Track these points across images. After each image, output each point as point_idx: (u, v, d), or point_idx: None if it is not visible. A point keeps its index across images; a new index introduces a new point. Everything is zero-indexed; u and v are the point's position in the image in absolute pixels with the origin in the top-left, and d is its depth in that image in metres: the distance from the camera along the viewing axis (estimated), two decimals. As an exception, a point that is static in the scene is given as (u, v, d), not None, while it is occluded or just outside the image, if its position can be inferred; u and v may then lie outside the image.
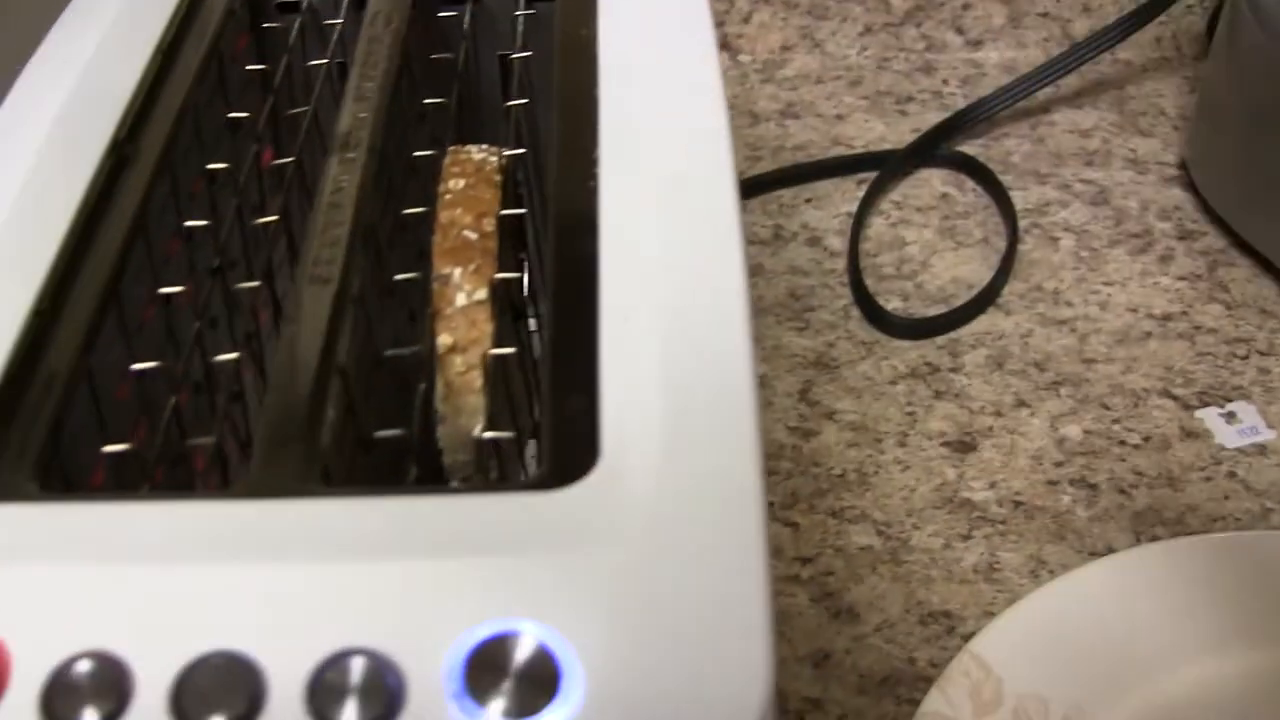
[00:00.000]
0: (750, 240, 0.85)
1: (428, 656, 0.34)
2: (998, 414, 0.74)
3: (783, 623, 0.65)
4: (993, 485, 0.70)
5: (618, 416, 0.39)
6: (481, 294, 0.49)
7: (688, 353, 0.40)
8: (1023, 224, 0.83)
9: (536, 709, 0.33)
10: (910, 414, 0.74)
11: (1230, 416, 0.73)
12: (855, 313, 0.79)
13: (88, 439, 0.42)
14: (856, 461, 0.72)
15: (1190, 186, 0.86)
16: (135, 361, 0.44)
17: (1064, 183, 0.87)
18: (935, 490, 0.70)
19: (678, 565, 0.36)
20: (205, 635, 0.34)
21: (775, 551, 0.68)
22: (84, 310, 0.43)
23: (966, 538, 0.68)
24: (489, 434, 0.44)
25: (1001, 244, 0.82)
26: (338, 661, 0.34)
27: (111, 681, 0.34)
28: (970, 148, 0.89)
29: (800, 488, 0.71)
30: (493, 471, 0.47)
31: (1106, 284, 0.80)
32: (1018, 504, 0.69)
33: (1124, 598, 0.63)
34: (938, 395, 0.75)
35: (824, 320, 0.79)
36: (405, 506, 0.37)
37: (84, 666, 0.34)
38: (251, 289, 0.47)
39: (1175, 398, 0.74)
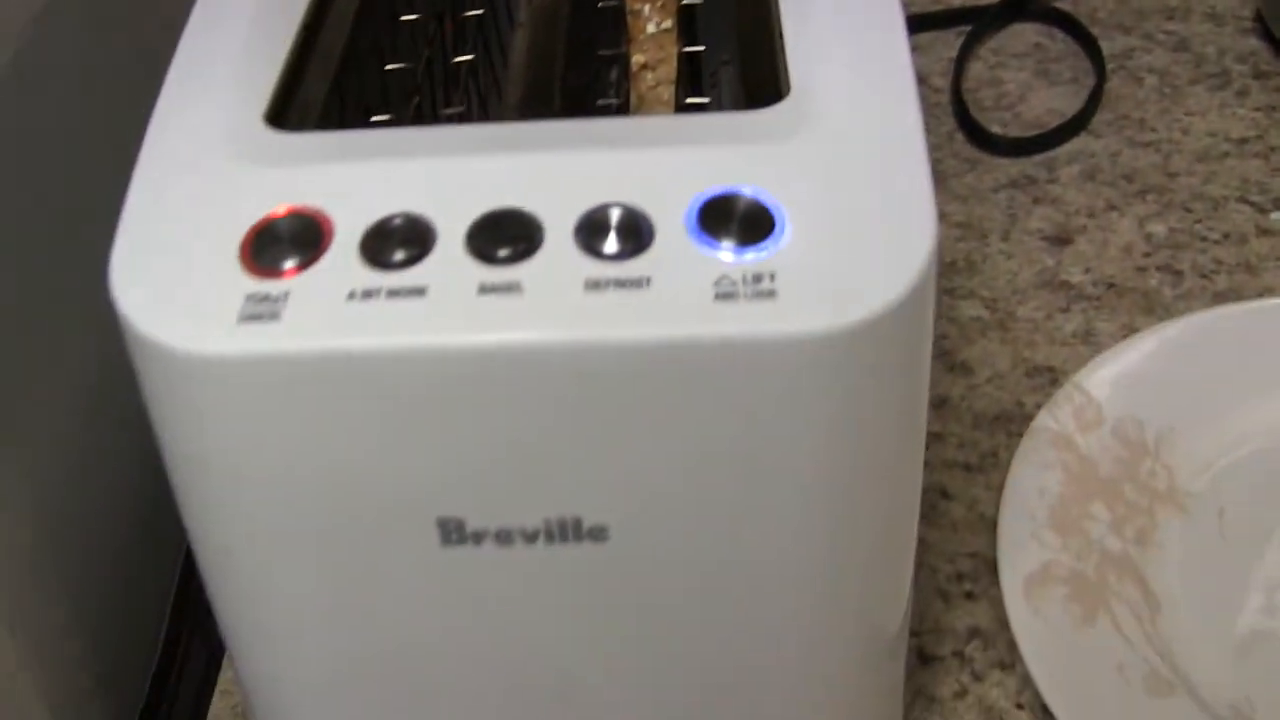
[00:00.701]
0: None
1: (671, 208, 0.43)
2: (1090, 215, 0.82)
3: (905, 375, 0.73)
4: (1087, 270, 0.79)
5: (800, 63, 0.48)
6: (668, 24, 0.58)
7: (854, 22, 0.49)
8: (1110, 67, 0.92)
9: (756, 241, 0.42)
10: (1011, 215, 0.82)
11: (1302, 219, 0.81)
12: (959, 136, 0.88)
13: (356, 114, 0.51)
14: (964, 252, 0.80)
15: (1266, 36, 0.94)
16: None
17: (1146, 33, 0.95)
18: (1036, 274, 0.79)
19: (863, 157, 0.44)
20: (493, 196, 0.43)
21: (895, 321, 0.76)
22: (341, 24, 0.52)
23: (1065, 311, 0.77)
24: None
25: (1091, 83, 0.90)
26: (600, 210, 0.43)
27: (418, 233, 0.43)
28: (1060, 3, 0.97)
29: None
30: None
31: (1187, 114, 0.89)
32: (1110, 285, 0.78)
33: (1215, 341, 0.71)
34: (1036, 201, 0.83)
35: (932, 142, 0.87)
36: (640, 122, 0.46)
37: (395, 222, 0.43)
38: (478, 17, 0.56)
39: (1251, 203, 0.82)
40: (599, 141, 0.45)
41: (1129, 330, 0.75)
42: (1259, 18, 0.95)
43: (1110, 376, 0.69)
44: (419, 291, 0.41)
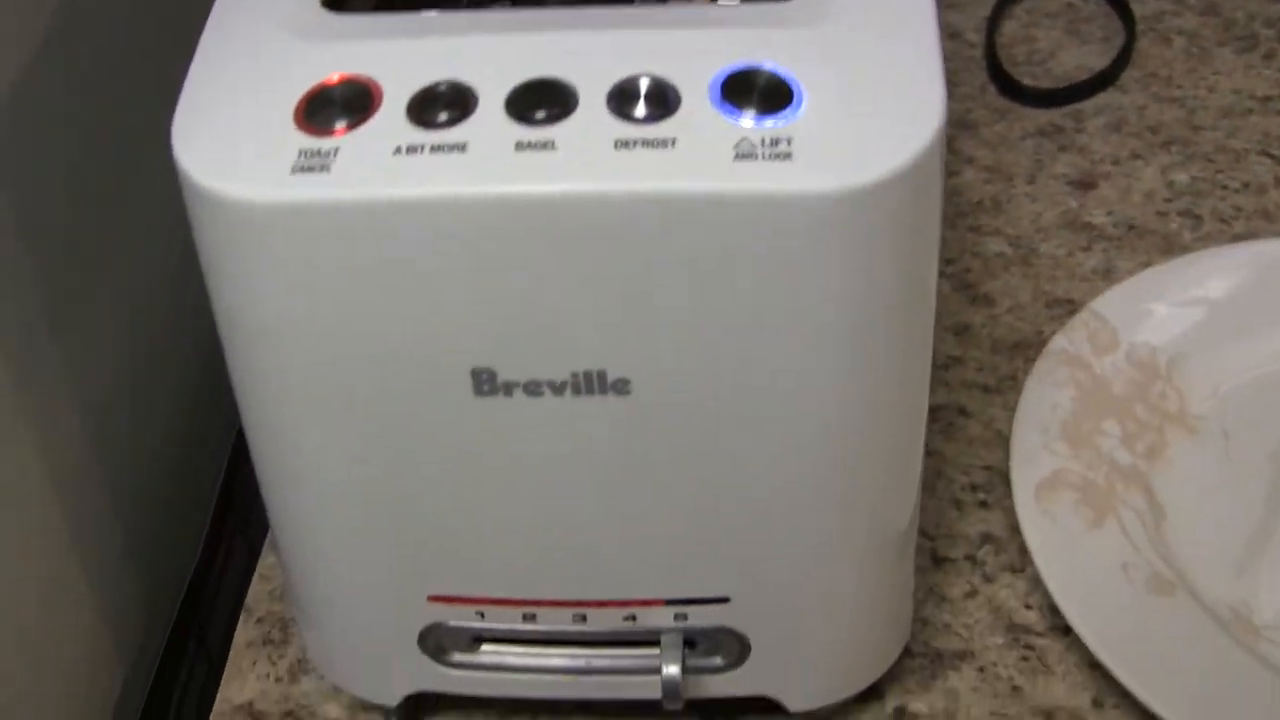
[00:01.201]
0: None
1: (696, 79, 0.46)
2: (1115, 163, 0.85)
3: (928, 304, 0.76)
4: (1110, 213, 0.81)
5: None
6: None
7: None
8: (1139, 28, 0.94)
9: (775, 110, 0.45)
10: (1038, 160, 0.85)
11: (1321, 173, 0.84)
12: (991, 88, 0.90)
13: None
14: (991, 194, 0.83)
15: (1292, 2, 0.96)
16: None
17: (1177, -3, 0.97)
18: (1059, 215, 0.81)
19: (877, 41, 0.47)
20: (533, 67, 0.46)
21: (921, 255, 0.79)
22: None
23: (1086, 249, 0.79)
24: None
25: (1120, 42, 0.93)
26: (630, 80, 0.46)
27: (461, 97, 0.46)
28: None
29: (944, 211, 0.82)
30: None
31: (1214, 73, 0.91)
32: (1131, 227, 0.80)
33: (1228, 276, 0.73)
34: (1062, 149, 0.86)
35: (963, 93, 0.90)
36: (674, 9, 0.49)
37: (440, 88, 0.46)
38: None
39: (1273, 156, 0.85)
40: (633, 22, 0.48)
41: (1148, 268, 0.77)
42: (1288, -16, 0.97)
43: (1126, 304, 0.72)
44: (460, 147, 0.44)
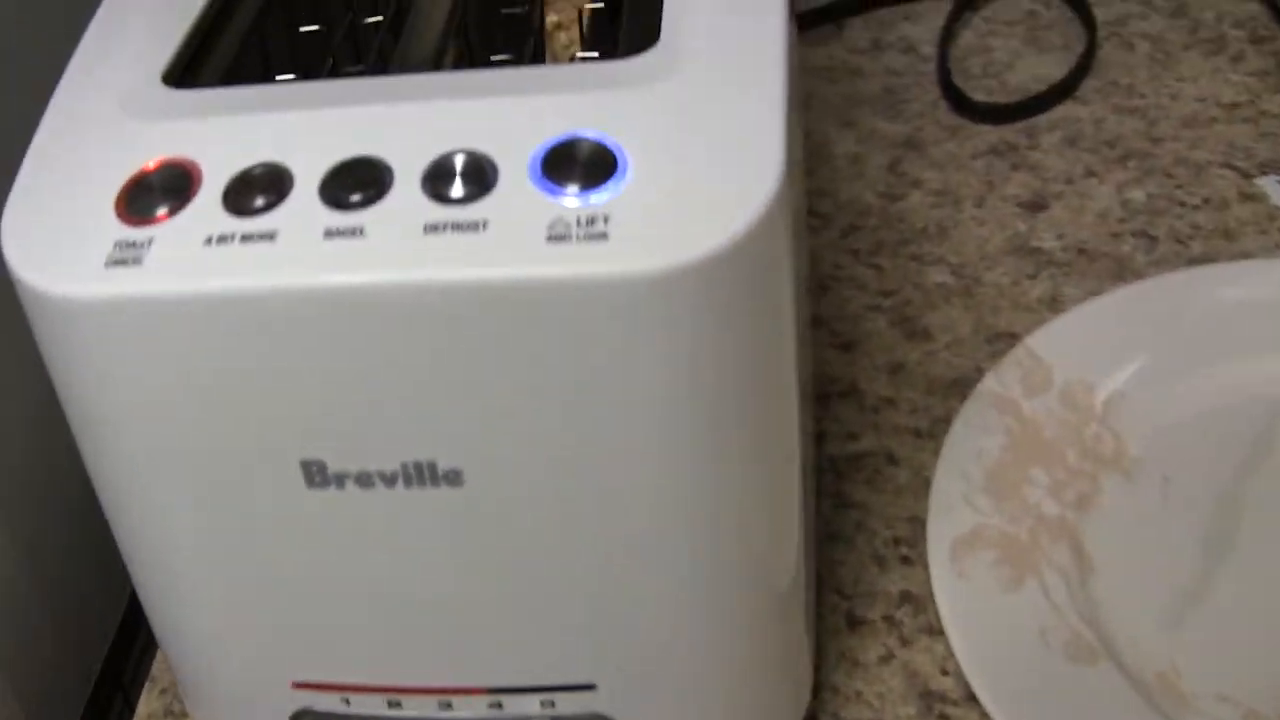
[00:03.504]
0: (851, 50, 0.93)
1: (517, 153, 0.43)
2: (1069, 182, 0.81)
3: (863, 340, 0.73)
4: (1060, 236, 0.78)
5: (674, 16, 0.48)
6: (584, -19, 0.58)
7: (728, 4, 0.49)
8: (1102, 33, 0.90)
9: (597, 184, 0.42)
10: (988, 182, 0.81)
11: (1288, 184, 0.80)
12: (943, 104, 0.87)
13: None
14: (937, 219, 0.79)
15: (1265, 0, 0.92)
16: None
17: (1144, -1, 0.94)
18: (1007, 240, 0.78)
19: (715, 103, 0.44)
20: (351, 145, 0.44)
21: (859, 287, 0.76)
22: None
23: (1033, 277, 0.76)
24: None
25: (1081, 49, 0.89)
26: (447, 157, 0.43)
27: (276, 181, 0.43)
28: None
29: (885, 238, 0.79)
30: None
31: (1179, 80, 0.87)
32: (1082, 250, 0.77)
33: (1168, 308, 0.70)
34: (1014, 167, 0.82)
35: (914, 110, 0.87)
36: (501, 73, 0.46)
37: (256, 172, 0.44)
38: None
39: (1235, 168, 0.81)
40: (456, 91, 0.46)
41: (1096, 296, 0.73)
42: (1261, -19, 0.93)
43: (1064, 339, 0.68)
44: (270, 236, 0.42)
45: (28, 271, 0.43)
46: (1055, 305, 0.74)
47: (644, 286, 0.41)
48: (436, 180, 0.43)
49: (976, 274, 0.76)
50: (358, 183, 0.43)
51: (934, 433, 0.68)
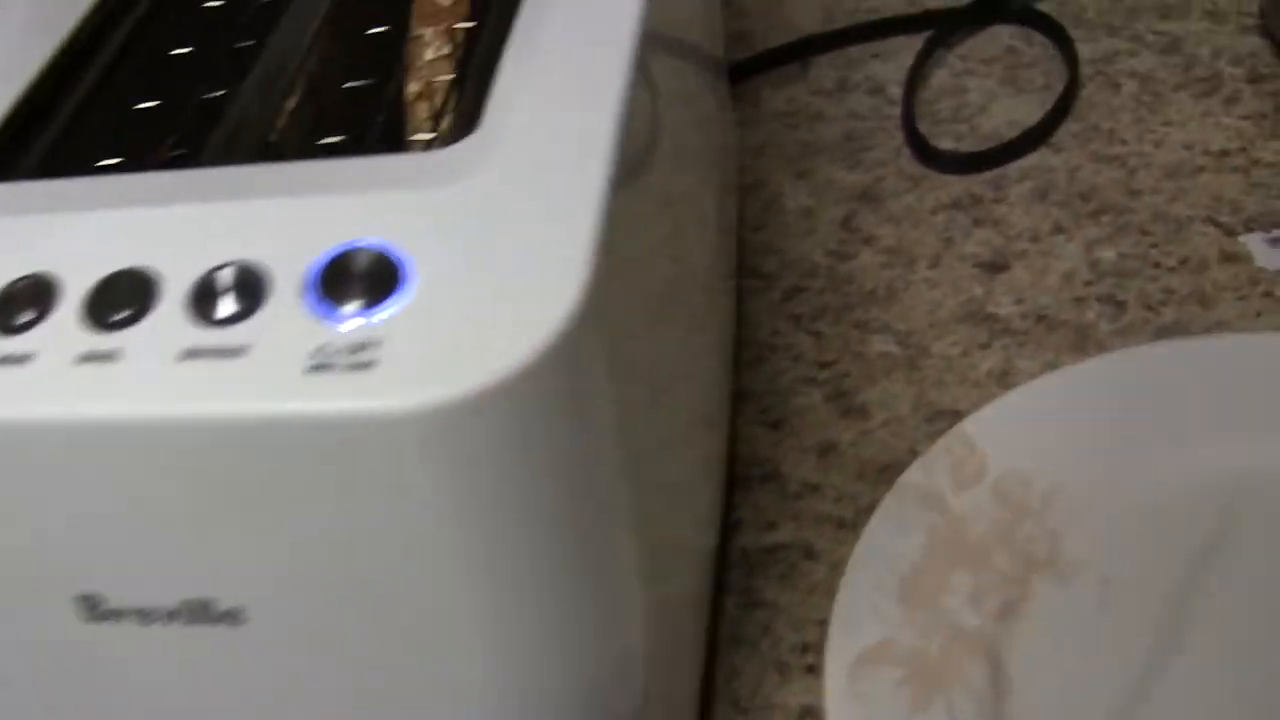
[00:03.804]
0: (814, 92, 0.87)
1: (294, 265, 0.38)
2: (1034, 239, 0.75)
3: (793, 418, 0.67)
4: (1019, 301, 0.71)
5: (501, 99, 0.42)
6: (446, 49, 0.53)
7: (571, 66, 0.43)
8: (1087, 72, 0.84)
9: (376, 302, 0.37)
10: (947, 239, 0.75)
11: (1276, 241, 0.73)
12: (906, 152, 0.81)
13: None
14: (887, 280, 0.73)
15: (1268, 34, 0.85)
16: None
17: (1136, 34, 0.87)
18: (961, 305, 0.72)
19: (525, 207, 0.39)
20: (124, 254, 0.40)
21: (795, 357, 0.70)
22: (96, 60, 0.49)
23: (985, 347, 0.69)
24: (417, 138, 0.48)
25: (1061, 89, 0.83)
26: (218, 270, 0.38)
27: (41, 296, 0.40)
28: (1045, 4, 0.89)
29: (830, 303, 0.73)
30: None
31: (1165, 124, 0.81)
32: (1041, 317, 0.70)
33: (1122, 388, 0.63)
34: (976, 223, 0.76)
35: (875, 159, 0.81)
36: (298, 167, 0.42)
37: (20, 285, 0.40)
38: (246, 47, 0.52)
39: (1219, 224, 0.74)
40: (249, 189, 0.41)
41: (1051, 369, 0.67)
42: (1263, 13, 0.86)
43: (1003, 423, 0.62)
44: (24, 359, 0.38)
45: None
46: (1006, 380, 0.68)
47: (404, 424, 0.36)
48: (203, 297, 0.39)
49: (924, 343, 0.70)
50: (122, 299, 0.39)
51: (858, 524, 0.63)
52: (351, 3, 0.53)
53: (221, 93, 0.51)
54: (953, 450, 0.61)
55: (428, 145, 0.47)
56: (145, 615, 0.41)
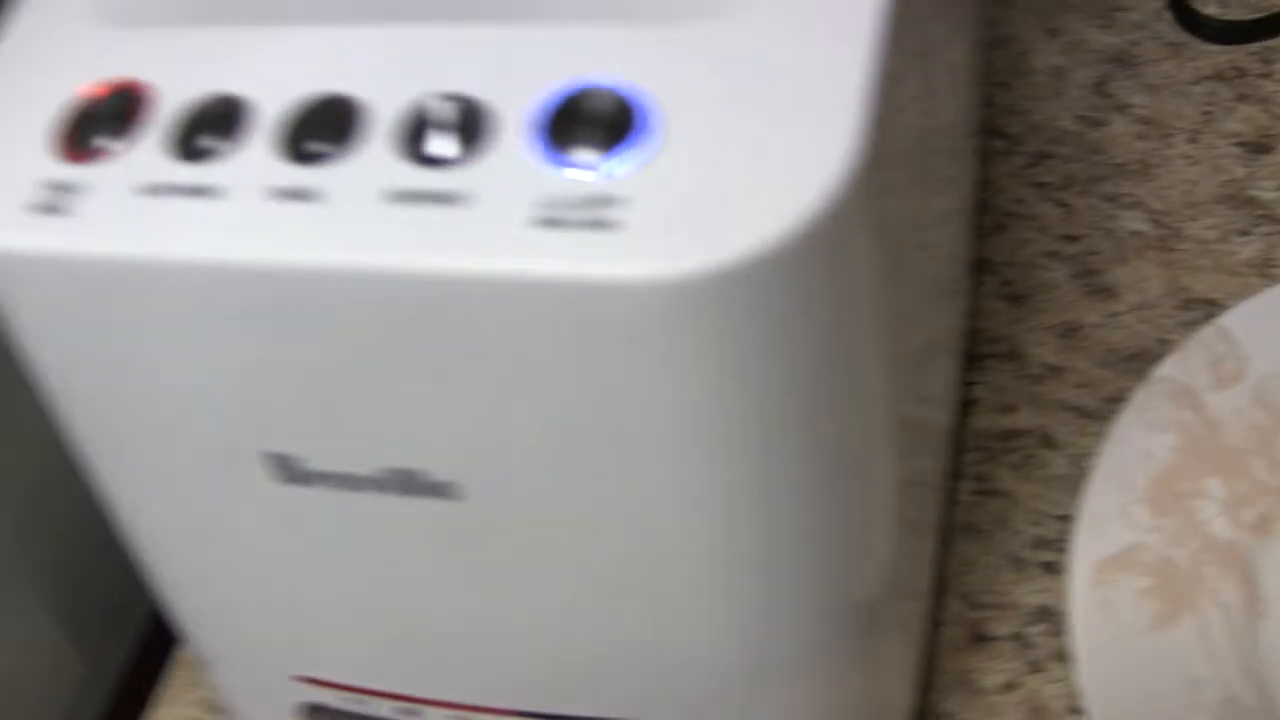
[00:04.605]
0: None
1: (522, 103, 0.34)
2: (1303, 120, 0.69)
3: (1037, 293, 0.63)
4: (1282, 187, 0.67)
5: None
6: None
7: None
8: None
9: (613, 150, 0.33)
10: (1207, 113, 0.70)
11: None
12: (1167, 16, 0.75)
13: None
14: (1141, 153, 0.69)
15: None
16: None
17: None
18: (1220, 186, 0.67)
19: (776, 48, 0.35)
20: (325, 78, 0.36)
21: (1040, 228, 0.66)
22: None
23: (1245, 233, 0.65)
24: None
25: (1341, -41, 0.76)
26: (434, 102, 0.35)
27: (232, 118, 0.36)
28: None
29: (1078, 172, 0.68)
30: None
31: None
32: (1307, 206, 0.66)
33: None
34: (1241, 98, 0.71)
35: (1131, 20, 0.75)
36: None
37: (210, 104, 0.36)
38: None
39: None
40: (459, 15, 0.37)
41: (1317, 264, 0.63)
42: None
43: (1266, 320, 0.58)
44: (212, 192, 0.35)
45: None
46: (1266, 271, 0.63)
47: (654, 293, 0.32)
48: (415, 131, 0.35)
49: (1178, 224, 0.65)
50: (322, 128, 0.35)
51: (1101, 414, 0.59)
52: None
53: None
54: (1213, 347, 0.57)
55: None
56: (344, 481, 0.38)
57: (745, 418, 0.35)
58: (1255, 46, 0.73)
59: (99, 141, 0.36)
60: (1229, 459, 0.54)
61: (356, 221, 0.33)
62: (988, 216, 0.67)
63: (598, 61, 0.34)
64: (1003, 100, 0.72)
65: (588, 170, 0.33)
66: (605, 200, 0.32)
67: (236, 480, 0.39)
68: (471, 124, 0.34)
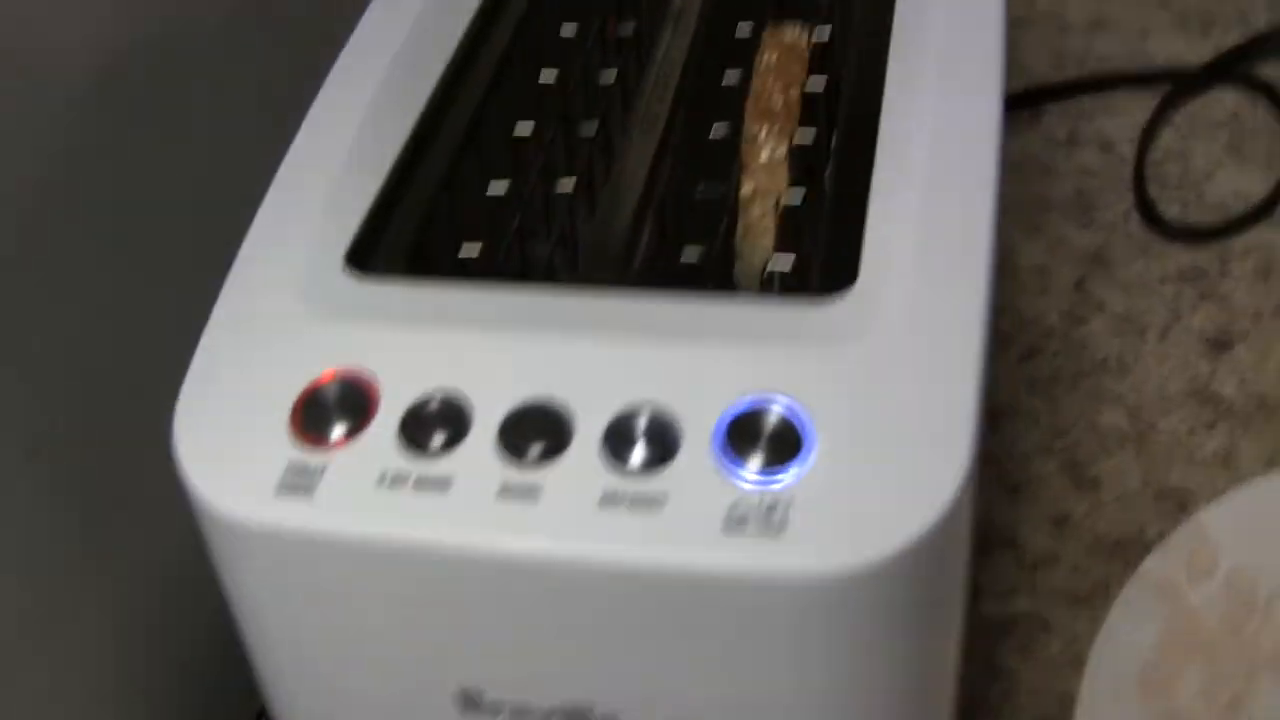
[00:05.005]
0: (1046, 141, 0.91)
1: (702, 415, 0.43)
2: (1256, 318, 0.79)
3: (1032, 486, 0.72)
4: (1242, 382, 0.76)
5: (876, 249, 0.47)
6: (782, 151, 0.57)
7: (939, 214, 0.48)
8: (1310, 146, 0.88)
9: (781, 463, 0.42)
10: (1175, 311, 0.79)
11: None
12: (1135, 216, 0.85)
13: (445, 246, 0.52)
14: (1118, 349, 0.78)
15: None
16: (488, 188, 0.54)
17: (1358, 109, 0.90)
18: (1187, 382, 0.76)
19: (911, 371, 0.43)
20: (534, 381, 0.44)
21: (1032, 423, 0.75)
22: (447, 146, 0.53)
23: (1210, 427, 0.74)
24: (774, 268, 0.52)
25: (1285, 164, 0.86)
26: (630, 414, 0.43)
27: (454, 417, 0.44)
28: (1274, 70, 0.93)
29: (1064, 368, 0.77)
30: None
31: (1385, 209, 0.84)
32: (1262, 404, 0.75)
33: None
34: (1203, 297, 0.80)
35: (1106, 219, 0.85)
36: (696, 306, 0.46)
37: (434, 404, 0.44)
38: (588, 138, 0.56)
39: None
40: (648, 329, 0.45)
41: (1274, 456, 0.72)
42: None
43: (1237, 517, 0.67)
44: (444, 484, 0.42)
45: (200, 481, 0.44)
46: (1229, 463, 0.72)
47: (818, 587, 0.41)
48: (617, 440, 0.43)
49: (1152, 419, 0.75)
50: (537, 431, 0.43)
51: (1090, 600, 0.68)
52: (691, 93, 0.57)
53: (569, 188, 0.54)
54: (1188, 543, 0.66)
55: (792, 279, 0.51)
56: (522, 712, 0.46)
57: (872, 682, 0.43)
58: (1214, 247, 0.83)
59: (334, 429, 0.43)
60: (1204, 648, 0.63)
61: (573, 520, 0.41)
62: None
63: (759, 378, 0.43)
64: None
65: (761, 476, 0.41)
66: (776, 505, 0.41)
67: (431, 712, 0.46)
68: (663, 433, 0.42)
